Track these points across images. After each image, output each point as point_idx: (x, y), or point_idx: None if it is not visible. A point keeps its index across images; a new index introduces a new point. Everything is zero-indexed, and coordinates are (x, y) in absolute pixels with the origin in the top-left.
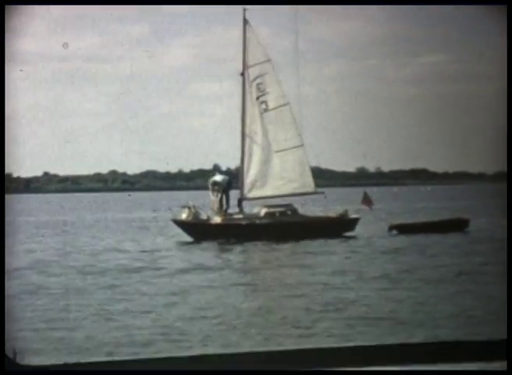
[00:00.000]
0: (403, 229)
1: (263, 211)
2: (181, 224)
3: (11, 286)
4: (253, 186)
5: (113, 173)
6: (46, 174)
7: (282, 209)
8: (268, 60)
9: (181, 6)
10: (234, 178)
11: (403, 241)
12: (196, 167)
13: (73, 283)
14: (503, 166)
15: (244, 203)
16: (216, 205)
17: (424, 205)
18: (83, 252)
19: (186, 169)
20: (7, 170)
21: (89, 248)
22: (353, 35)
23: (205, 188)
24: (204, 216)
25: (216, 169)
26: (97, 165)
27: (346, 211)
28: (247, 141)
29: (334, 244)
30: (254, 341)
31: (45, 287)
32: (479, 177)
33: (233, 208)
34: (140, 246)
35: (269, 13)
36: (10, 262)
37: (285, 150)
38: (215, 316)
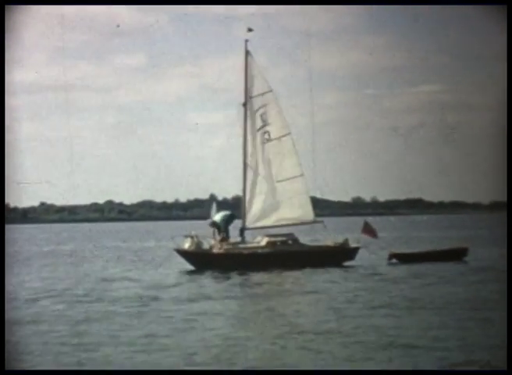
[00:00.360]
0: (403, 258)
1: (264, 240)
2: (183, 254)
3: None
4: (254, 216)
5: (109, 202)
6: (43, 204)
7: (283, 239)
8: (270, 91)
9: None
10: (237, 209)
11: (403, 269)
12: (193, 197)
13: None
14: (498, 196)
15: (246, 232)
16: (217, 239)
17: (421, 234)
18: (96, 281)
19: (183, 199)
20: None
21: (100, 276)
22: (350, 65)
23: (202, 218)
24: (206, 246)
25: (213, 199)
26: (94, 195)
27: (347, 240)
28: (249, 171)
29: (335, 272)
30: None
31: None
32: (475, 207)
33: (235, 237)
34: (146, 275)
35: (268, 43)
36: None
37: (286, 180)
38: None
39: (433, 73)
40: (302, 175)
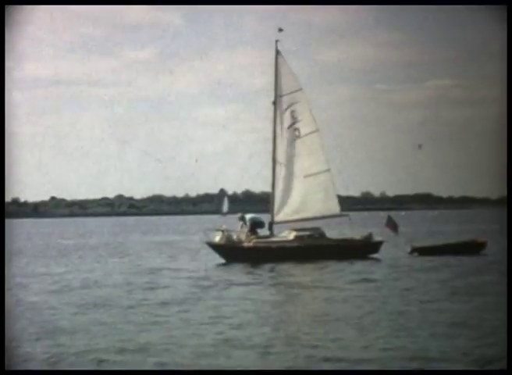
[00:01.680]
0: (424, 251)
1: (292, 234)
2: (215, 247)
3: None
4: (285, 210)
5: (120, 197)
6: (53, 199)
7: (310, 233)
8: (301, 89)
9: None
10: (245, 203)
11: (424, 261)
12: (202, 191)
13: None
14: (505, 191)
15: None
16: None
17: (435, 228)
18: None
19: (193, 194)
20: (14, 195)
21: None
22: (361, 60)
23: (211, 212)
24: (235, 239)
25: (223, 193)
26: (104, 189)
27: (371, 234)
28: (278, 167)
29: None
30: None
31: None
32: (483, 202)
33: (264, 231)
34: (190, 265)
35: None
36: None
37: (314, 174)
38: None
39: (441, 68)
40: (328, 170)
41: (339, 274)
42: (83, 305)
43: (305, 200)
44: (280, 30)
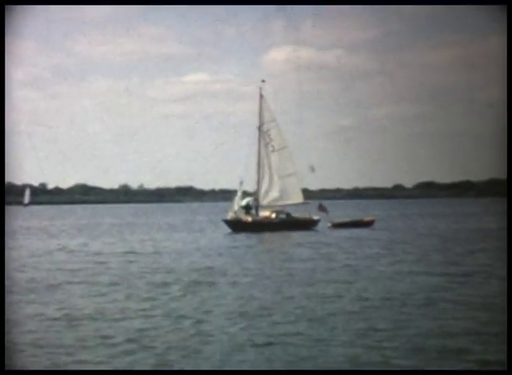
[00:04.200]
0: (337, 225)
1: (273, 215)
2: (227, 222)
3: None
4: (265, 198)
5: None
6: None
7: (282, 213)
8: (275, 120)
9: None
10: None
11: (338, 232)
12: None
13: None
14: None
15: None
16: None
17: (349, 213)
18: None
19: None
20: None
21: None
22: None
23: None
24: (241, 217)
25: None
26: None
27: (311, 214)
28: (261, 170)
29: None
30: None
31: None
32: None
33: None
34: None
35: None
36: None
37: (286, 176)
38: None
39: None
40: (295, 173)
41: (296, 235)
42: None
43: (281, 193)
44: (263, 81)
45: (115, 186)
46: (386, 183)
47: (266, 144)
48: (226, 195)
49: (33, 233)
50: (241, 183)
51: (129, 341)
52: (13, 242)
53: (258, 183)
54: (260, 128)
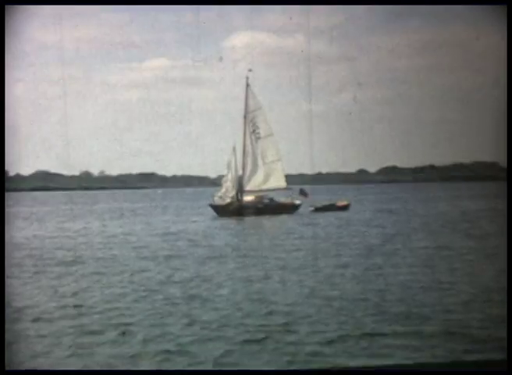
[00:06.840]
0: (318, 209)
1: (256, 199)
2: (213, 207)
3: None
4: (249, 184)
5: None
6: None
7: (266, 198)
8: (260, 107)
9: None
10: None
11: (318, 214)
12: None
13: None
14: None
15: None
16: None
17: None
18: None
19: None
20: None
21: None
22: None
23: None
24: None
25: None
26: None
27: (293, 199)
28: (246, 156)
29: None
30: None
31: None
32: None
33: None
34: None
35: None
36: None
37: (270, 162)
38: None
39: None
40: (279, 159)
41: (281, 217)
42: None
43: (265, 178)
44: (250, 70)
45: (77, 173)
46: (350, 167)
47: (251, 132)
48: (188, 181)
49: None
50: (229, 166)
51: None
52: None
53: (243, 169)
54: (246, 116)
